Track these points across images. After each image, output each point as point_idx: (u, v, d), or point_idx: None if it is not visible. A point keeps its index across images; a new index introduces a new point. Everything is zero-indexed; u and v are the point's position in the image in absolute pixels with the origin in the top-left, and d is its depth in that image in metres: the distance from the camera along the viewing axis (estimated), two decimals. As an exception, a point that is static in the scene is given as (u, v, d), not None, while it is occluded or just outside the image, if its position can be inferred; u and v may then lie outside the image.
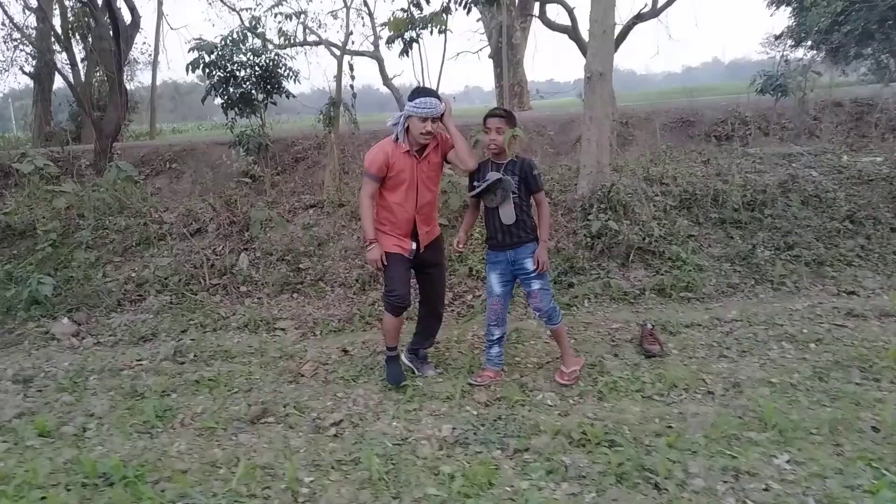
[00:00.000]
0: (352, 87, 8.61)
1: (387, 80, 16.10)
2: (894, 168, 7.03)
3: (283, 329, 5.44)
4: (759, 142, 8.88)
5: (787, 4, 20.08)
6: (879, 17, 16.02)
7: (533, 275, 3.86)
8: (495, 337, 4.11)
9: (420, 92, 3.77)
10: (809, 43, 19.32)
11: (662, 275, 5.72)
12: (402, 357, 4.31)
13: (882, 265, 5.80)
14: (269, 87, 9.08)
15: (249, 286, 6.18)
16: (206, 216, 7.12)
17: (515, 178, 3.80)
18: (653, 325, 4.64)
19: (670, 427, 3.39)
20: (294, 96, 9.68)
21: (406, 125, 3.82)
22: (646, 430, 3.37)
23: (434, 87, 8.25)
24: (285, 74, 9.18)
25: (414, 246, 3.97)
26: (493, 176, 3.79)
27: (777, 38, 21.62)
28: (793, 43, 19.88)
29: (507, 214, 3.82)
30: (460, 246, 4.13)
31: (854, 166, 7.18)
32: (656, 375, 4.03)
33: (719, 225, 6.32)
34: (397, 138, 3.83)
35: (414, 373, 4.27)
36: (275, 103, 9.50)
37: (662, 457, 3.07)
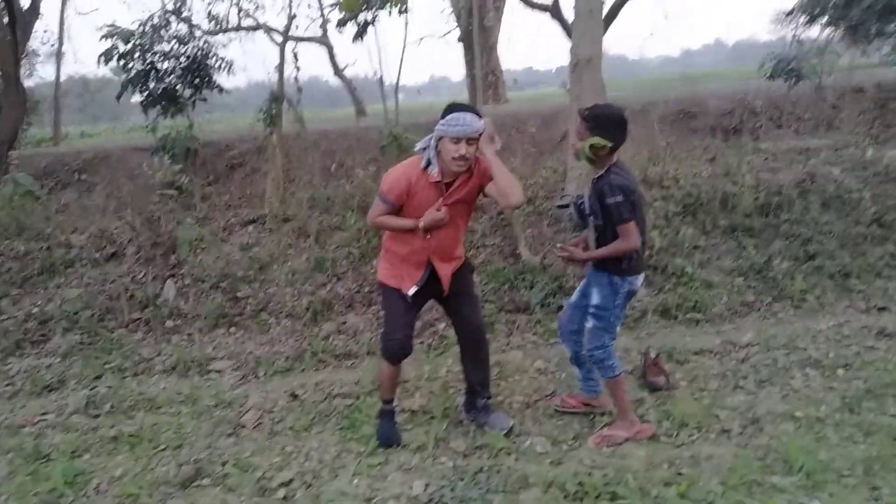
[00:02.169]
0: (296, 79, 8.62)
1: (338, 70, 16.07)
2: (926, 163, 7.24)
3: (218, 371, 5.37)
4: (772, 135, 9.08)
5: (799, -24, 20.61)
6: (903, -10, 16.50)
7: (592, 309, 3.72)
8: (568, 356, 4.19)
9: (453, 108, 3.54)
10: (825, 20, 19.83)
11: (666, 293, 5.79)
12: (464, 415, 4.17)
13: (916, 275, 5.95)
14: (197, 80, 8.99)
15: (177, 320, 6.10)
16: (124, 237, 7.03)
17: (597, 203, 3.55)
18: (657, 354, 4.67)
19: (681, 474, 3.40)
20: (228, 91, 9.60)
21: (437, 149, 3.60)
22: (653, 477, 3.37)
23: (395, 77, 8.27)
24: (217, 66, 9.11)
25: (413, 290, 3.79)
26: (566, 198, 3.76)
27: (788, 14, 22.15)
28: (806, 20, 20.39)
29: (589, 240, 3.71)
30: (563, 248, 3.79)
31: (880, 161, 7.37)
32: (663, 413, 4.06)
33: (729, 233, 6.43)
34: (428, 164, 3.62)
35: (485, 427, 4.02)
36: (205, 100, 9.40)
37: (673, 510, 3.08)
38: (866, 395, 4.09)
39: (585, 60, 6.26)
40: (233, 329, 6.00)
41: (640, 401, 4.24)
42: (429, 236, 3.71)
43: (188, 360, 5.48)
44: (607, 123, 3.50)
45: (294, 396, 4.76)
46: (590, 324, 3.74)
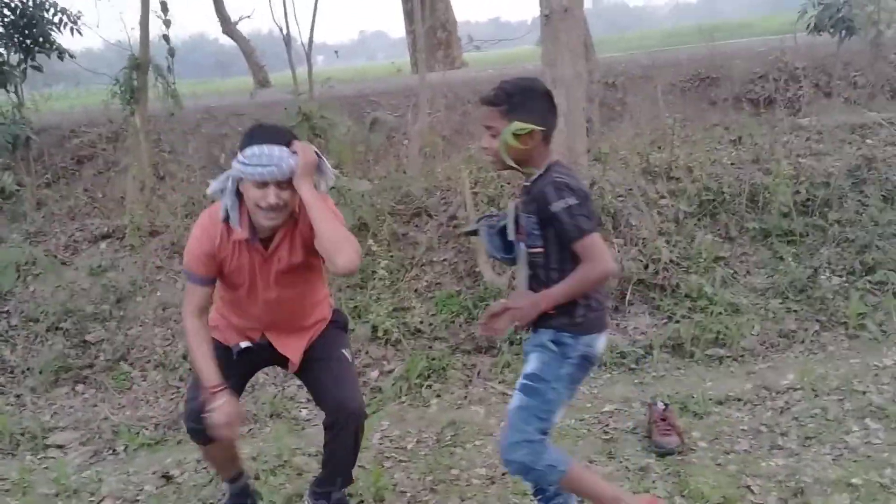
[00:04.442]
0: (166, 38, 8.52)
1: (228, 26, 16.03)
2: None
3: (60, 446, 5.28)
4: (817, 107, 9.25)
5: None
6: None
7: (522, 381, 3.26)
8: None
9: (254, 136, 3.34)
10: (885, -46, 20.44)
11: (677, 322, 5.86)
12: None
13: None
14: (28, 41, 8.88)
15: (1, 376, 6.01)
16: (-77, 261, 6.88)
17: (532, 217, 3.18)
18: (666, 405, 4.71)
19: (699, 567, 3.44)
20: (73, 56, 9.50)
21: (239, 192, 3.43)
22: (661, 575, 3.40)
23: (307, 35, 8.25)
24: (56, 21, 9.01)
25: (243, 345, 3.69)
26: (482, 221, 3.40)
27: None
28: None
29: (519, 280, 3.31)
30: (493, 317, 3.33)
31: (958, 139, 7.58)
32: (675, 485, 4.08)
33: (761, 240, 6.56)
34: (227, 217, 3.45)
35: None
36: (40, 68, 9.30)
37: None
38: (945, 454, 4.18)
39: (561, 11, 6.32)
40: (80, 387, 5.91)
41: (644, 469, 4.27)
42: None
43: (17, 433, 5.38)
44: (530, 100, 3.17)
45: (167, 478, 4.69)
46: (514, 402, 3.25)
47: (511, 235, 3.24)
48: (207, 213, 3.54)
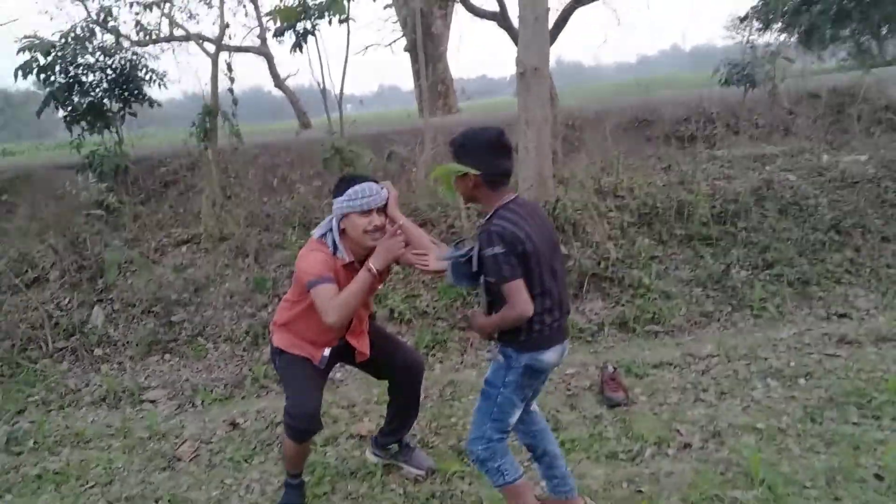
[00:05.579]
0: (231, 90, 8.53)
1: (278, 81, 15.95)
2: (881, 167, 7.48)
3: (152, 401, 5.31)
4: (728, 142, 9.30)
5: (751, -19, 21.26)
6: (856, -6, 17.15)
7: (483, 382, 3.08)
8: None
9: (348, 181, 3.36)
10: (778, 25, 20.50)
11: (623, 305, 5.88)
12: (369, 454, 4.04)
13: (875, 281, 6.13)
14: (126, 93, 8.89)
15: (107, 348, 6.01)
16: (47, 261, 6.89)
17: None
18: (615, 368, 4.73)
19: (640, 491, 3.45)
20: (160, 104, 9.49)
21: (342, 228, 3.39)
22: (612, 496, 3.41)
23: (338, 88, 8.27)
24: (147, 78, 9.01)
25: (327, 352, 3.57)
26: (450, 251, 3.10)
27: (742, 20, 22.87)
28: (760, 26, 21.06)
29: (481, 302, 3.06)
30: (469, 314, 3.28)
31: (836, 167, 7.62)
32: (622, 429, 4.11)
33: (686, 243, 6.57)
34: (335, 250, 3.38)
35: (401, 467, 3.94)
36: (134, 114, 9.29)
37: (633, 529, 3.11)
38: (828, 405, 4.20)
39: (532, 70, 6.37)
40: (167, 356, 5.93)
41: (597, 417, 4.29)
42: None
43: (119, 391, 5.40)
44: (472, 148, 2.91)
45: (234, 425, 4.71)
46: (476, 403, 3.12)
47: (475, 267, 2.89)
48: (318, 248, 3.39)
